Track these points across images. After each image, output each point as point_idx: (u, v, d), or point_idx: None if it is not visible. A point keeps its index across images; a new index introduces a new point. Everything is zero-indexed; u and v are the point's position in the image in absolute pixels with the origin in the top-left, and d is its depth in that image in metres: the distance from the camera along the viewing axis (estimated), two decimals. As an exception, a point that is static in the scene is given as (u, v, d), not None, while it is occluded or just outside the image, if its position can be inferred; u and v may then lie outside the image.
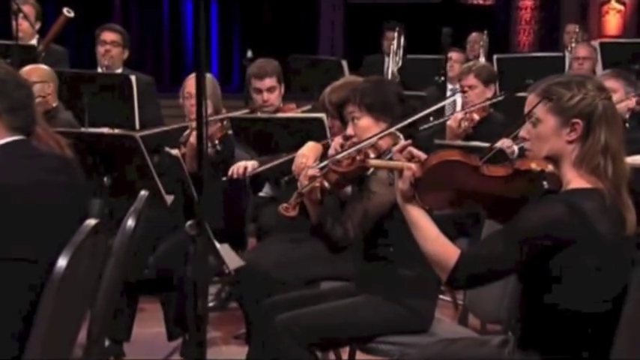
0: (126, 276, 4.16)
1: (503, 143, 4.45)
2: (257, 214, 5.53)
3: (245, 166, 4.49)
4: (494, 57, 8.17)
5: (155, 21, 13.92)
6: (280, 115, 5.30)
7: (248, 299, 4.45)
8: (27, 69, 5.51)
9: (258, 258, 4.55)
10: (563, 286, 2.82)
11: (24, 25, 6.90)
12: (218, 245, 3.57)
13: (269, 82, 5.57)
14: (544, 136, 2.90)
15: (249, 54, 8.02)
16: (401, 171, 2.98)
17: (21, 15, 6.70)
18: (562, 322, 2.86)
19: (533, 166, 2.93)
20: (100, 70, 6.61)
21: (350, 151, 3.58)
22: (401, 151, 3.05)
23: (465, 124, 5.64)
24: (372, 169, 3.57)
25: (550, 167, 2.93)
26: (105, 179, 4.36)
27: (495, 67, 8.13)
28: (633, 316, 2.76)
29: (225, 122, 5.10)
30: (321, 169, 3.50)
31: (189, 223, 3.39)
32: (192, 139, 4.90)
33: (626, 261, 2.84)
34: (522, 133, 2.98)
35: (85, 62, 12.48)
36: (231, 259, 3.54)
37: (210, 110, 5.11)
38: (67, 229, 2.70)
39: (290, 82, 7.84)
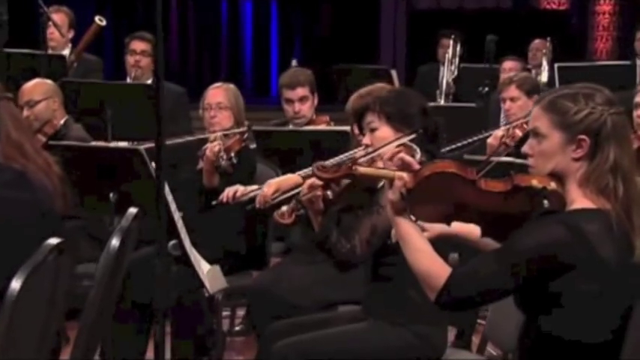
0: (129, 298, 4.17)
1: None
2: (287, 232, 5.48)
3: (235, 190, 4.45)
4: (555, 65, 8.00)
5: (212, 23, 13.99)
6: (301, 128, 5.24)
7: (259, 323, 4.39)
8: (29, 86, 5.54)
9: (272, 280, 4.50)
10: (561, 314, 2.72)
11: (55, 34, 6.97)
12: (207, 267, 3.52)
13: (301, 91, 5.53)
14: (549, 152, 2.81)
15: (294, 63, 7.99)
16: (392, 180, 2.89)
17: (50, 23, 6.76)
18: (560, 352, 2.75)
19: (535, 182, 2.82)
20: (129, 80, 6.61)
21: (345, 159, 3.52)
22: (391, 158, 2.97)
23: (506, 141, 5.43)
24: (382, 182, 3.49)
25: (553, 184, 2.82)
26: (111, 195, 4.35)
27: (557, 77, 7.98)
28: (635, 348, 2.63)
29: (246, 134, 5.06)
30: (310, 176, 3.44)
31: (171, 243, 3.38)
32: (209, 152, 4.87)
33: (631, 290, 2.72)
34: (525, 148, 2.90)
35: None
36: (215, 282, 3.48)
37: (230, 122, 5.09)
38: (26, 250, 2.67)
39: (336, 92, 7.81)
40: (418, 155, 3.51)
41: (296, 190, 3.71)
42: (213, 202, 4.45)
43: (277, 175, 4.79)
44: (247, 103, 5.35)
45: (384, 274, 3.63)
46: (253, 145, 5.22)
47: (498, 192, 2.83)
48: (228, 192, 4.50)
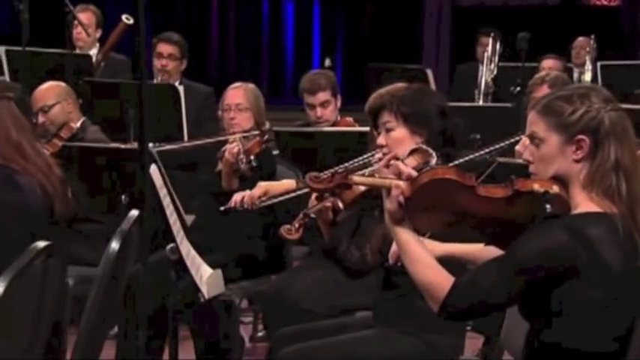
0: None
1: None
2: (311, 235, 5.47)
3: (243, 195, 4.44)
4: (598, 64, 7.90)
5: (253, 23, 14.00)
6: (321, 128, 5.22)
7: (272, 329, 4.38)
8: (41, 91, 5.56)
9: (287, 285, 4.49)
10: (565, 323, 2.69)
11: (82, 33, 7.02)
12: (209, 271, 3.52)
13: (322, 96, 5.50)
14: (548, 156, 2.79)
15: (327, 62, 7.96)
16: (389, 189, 2.87)
17: (76, 22, 6.79)
18: (565, 361, 2.72)
19: (536, 186, 2.78)
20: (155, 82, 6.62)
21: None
22: (387, 166, 2.94)
23: None
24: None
25: (555, 188, 2.78)
26: (123, 197, 4.36)
27: (600, 76, 7.89)
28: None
29: (266, 136, 5.05)
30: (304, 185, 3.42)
31: (169, 247, 3.37)
32: (228, 154, 4.87)
33: (638, 296, 2.67)
34: (526, 155, 2.88)
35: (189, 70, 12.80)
36: (214, 287, 3.48)
37: (250, 123, 5.08)
38: (11, 252, 2.68)
39: (370, 92, 7.77)
40: (434, 160, 3.47)
41: (286, 197, 3.69)
42: (222, 208, 4.44)
43: (298, 178, 4.78)
44: (287, 104, 5.36)
45: (395, 282, 3.59)
46: (276, 151, 5.21)
47: (499, 198, 2.80)
48: (236, 197, 4.50)
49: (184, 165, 5.41)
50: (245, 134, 4.95)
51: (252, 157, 4.86)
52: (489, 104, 7.94)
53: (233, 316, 4.77)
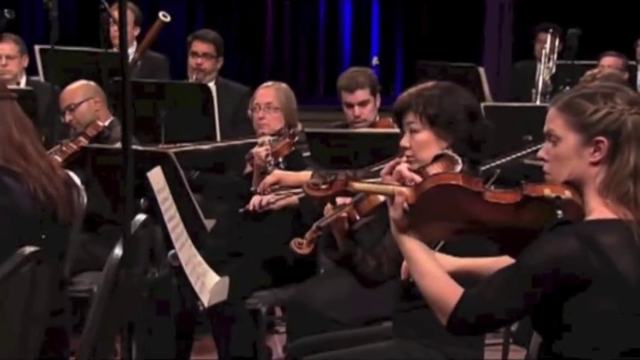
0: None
1: None
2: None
3: (261, 198, 4.40)
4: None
5: (310, 21, 14.00)
6: (354, 130, 5.18)
7: (295, 338, 4.36)
8: (69, 90, 5.60)
9: (313, 293, 4.47)
10: (578, 335, 2.64)
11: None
12: (215, 278, 3.51)
13: (361, 94, 5.44)
14: (564, 156, 2.73)
15: (375, 61, 7.91)
16: (392, 196, 2.82)
17: (111, 20, 6.81)
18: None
19: (547, 192, 2.73)
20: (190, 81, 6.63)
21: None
22: (390, 172, 2.90)
23: None
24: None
25: (568, 193, 2.72)
26: (142, 201, 4.36)
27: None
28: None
29: (296, 138, 5.03)
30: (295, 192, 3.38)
31: (171, 253, 3.37)
32: (256, 157, 4.84)
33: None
34: (541, 153, 2.82)
35: (245, 70, 12.84)
36: (217, 295, 3.46)
37: (281, 124, 5.06)
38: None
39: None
40: (460, 166, 3.40)
41: (298, 190, 3.63)
42: (240, 210, 4.42)
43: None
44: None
45: (414, 292, 3.52)
46: (307, 154, 5.19)
47: (507, 204, 2.75)
48: (254, 200, 4.48)
49: (214, 167, 5.42)
50: (273, 136, 4.93)
51: (280, 159, 4.84)
52: (545, 104, 7.81)
53: (260, 325, 4.74)
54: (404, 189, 2.80)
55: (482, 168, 5.12)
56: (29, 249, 2.73)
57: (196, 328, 4.95)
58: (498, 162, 5.14)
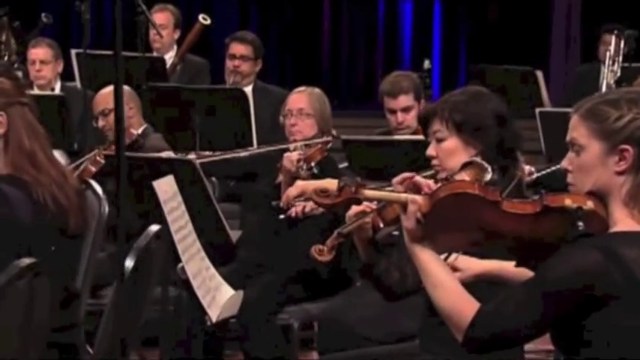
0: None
1: None
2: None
3: (304, 205, 4.40)
4: None
5: (368, 22, 13.98)
6: (391, 137, 5.16)
7: (326, 354, 4.35)
8: (103, 94, 5.64)
9: (344, 307, 4.45)
10: (596, 350, 2.61)
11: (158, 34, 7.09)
12: (229, 292, 3.51)
13: (404, 100, 5.43)
14: (588, 166, 2.70)
15: (427, 64, 7.87)
16: (405, 205, 2.80)
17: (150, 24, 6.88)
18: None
19: (568, 202, 2.68)
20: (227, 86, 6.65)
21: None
22: (401, 183, 2.88)
23: None
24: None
25: (590, 203, 2.68)
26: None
27: None
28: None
29: (329, 144, 5.02)
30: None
31: (180, 266, 3.37)
32: (287, 162, 4.85)
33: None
34: (564, 163, 2.79)
35: (299, 73, 12.83)
36: (227, 309, 3.46)
37: (314, 131, 5.05)
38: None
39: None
40: (489, 175, 3.37)
41: None
42: (281, 216, 4.40)
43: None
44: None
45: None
46: (345, 164, 5.17)
47: (526, 214, 2.72)
48: (297, 206, 4.47)
49: (247, 175, 5.43)
50: (308, 142, 4.92)
51: (313, 165, 4.83)
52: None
53: (292, 341, 4.73)
54: (417, 197, 2.78)
55: (538, 174, 5.13)
56: (26, 261, 2.74)
57: (227, 344, 4.96)
58: (553, 168, 5.10)
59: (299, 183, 3.95)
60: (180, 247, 3.43)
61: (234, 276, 4.82)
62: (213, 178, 5.14)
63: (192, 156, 4.98)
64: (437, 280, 2.78)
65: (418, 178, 2.85)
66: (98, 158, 5.35)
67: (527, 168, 4.64)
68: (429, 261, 2.80)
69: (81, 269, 3.58)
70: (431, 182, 2.85)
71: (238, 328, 4.81)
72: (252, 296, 4.87)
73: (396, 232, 3.50)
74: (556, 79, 11.84)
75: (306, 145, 4.94)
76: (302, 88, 5.23)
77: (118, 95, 2.61)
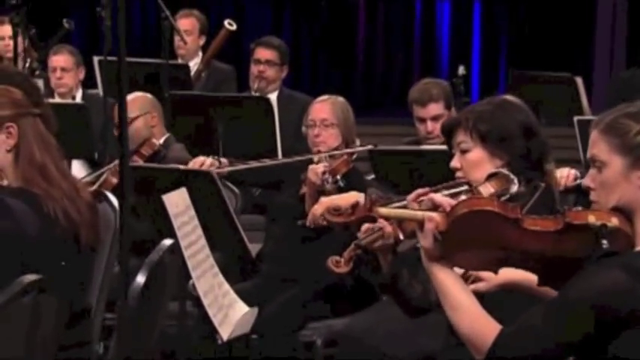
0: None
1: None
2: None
3: None
4: None
5: (405, 23, 13.94)
6: (418, 147, 5.13)
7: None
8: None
9: (367, 324, 4.43)
10: None
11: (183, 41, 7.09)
12: (245, 309, 3.50)
13: (434, 109, 5.39)
14: (611, 182, 2.70)
15: (461, 70, 7.81)
16: (421, 223, 2.79)
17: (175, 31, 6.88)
18: None
19: (592, 219, 2.67)
20: (253, 92, 6.63)
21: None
22: (416, 199, 2.87)
23: None
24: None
25: (615, 220, 2.66)
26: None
27: None
28: None
29: (354, 155, 5.01)
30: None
31: (191, 282, 3.36)
32: (312, 174, 4.83)
33: None
34: (586, 181, 2.79)
35: (333, 77, 12.84)
36: (240, 327, 3.45)
37: (338, 141, 5.04)
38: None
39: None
40: (516, 187, 3.35)
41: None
42: (299, 222, 4.38)
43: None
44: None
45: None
46: (372, 176, 5.15)
47: (547, 232, 2.71)
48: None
49: (273, 184, 5.42)
50: (333, 152, 4.90)
51: (338, 177, 4.81)
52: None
53: (314, 358, 4.72)
54: (434, 214, 2.77)
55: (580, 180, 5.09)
56: (30, 277, 2.75)
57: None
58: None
59: (323, 200, 3.93)
60: (190, 264, 3.42)
61: (257, 291, 4.82)
62: (236, 190, 5.11)
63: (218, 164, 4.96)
64: (455, 302, 2.79)
65: (434, 195, 2.82)
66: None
67: (572, 172, 4.59)
68: (446, 280, 2.80)
69: (95, 284, 3.58)
70: (449, 199, 2.83)
71: (260, 345, 4.81)
72: (274, 312, 4.88)
73: (419, 245, 3.49)
74: (599, 86, 11.75)
75: (330, 157, 4.92)
76: (325, 97, 5.20)
77: (121, 104, 2.59)
